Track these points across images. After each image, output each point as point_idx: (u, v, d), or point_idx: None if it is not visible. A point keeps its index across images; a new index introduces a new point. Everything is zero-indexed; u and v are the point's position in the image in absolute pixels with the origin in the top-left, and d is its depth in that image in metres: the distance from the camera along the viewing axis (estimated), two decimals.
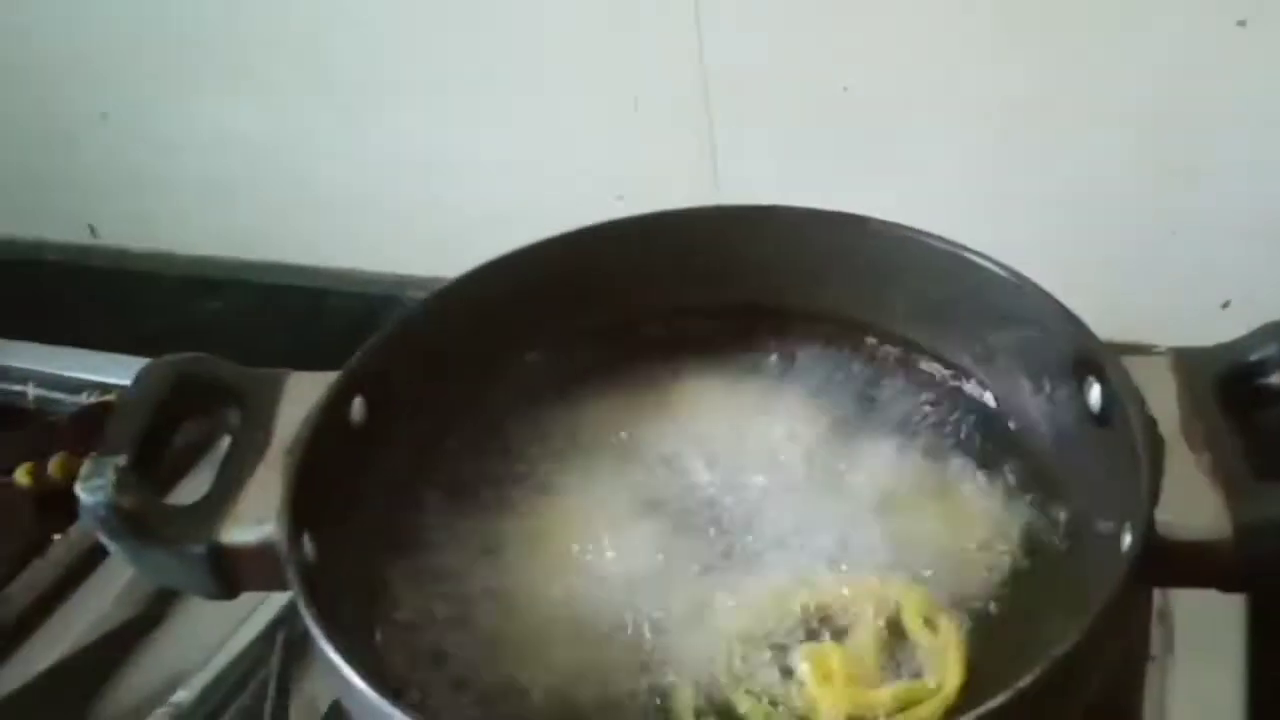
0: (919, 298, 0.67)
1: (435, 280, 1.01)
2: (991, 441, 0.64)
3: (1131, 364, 0.57)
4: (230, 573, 0.56)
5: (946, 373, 0.67)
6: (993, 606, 0.56)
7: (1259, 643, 0.65)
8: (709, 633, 0.56)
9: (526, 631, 0.58)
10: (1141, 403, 0.55)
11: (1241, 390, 0.56)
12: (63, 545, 0.80)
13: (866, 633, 0.55)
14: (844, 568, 0.58)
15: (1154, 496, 0.51)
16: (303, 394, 0.61)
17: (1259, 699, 0.62)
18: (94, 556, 0.77)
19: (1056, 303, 0.60)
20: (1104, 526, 0.56)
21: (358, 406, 0.62)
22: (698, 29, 0.87)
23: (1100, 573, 0.55)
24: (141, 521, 0.56)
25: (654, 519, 0.62)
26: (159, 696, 0.67)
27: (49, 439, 0.89)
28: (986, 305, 0.64)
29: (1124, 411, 0.55)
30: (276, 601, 0.71)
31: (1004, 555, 0.58)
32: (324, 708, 0.65)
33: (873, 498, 0.62)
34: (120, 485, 0.55)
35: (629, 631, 0.57)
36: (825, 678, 0.53)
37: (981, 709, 0.45)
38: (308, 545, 0.56)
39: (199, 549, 0.55)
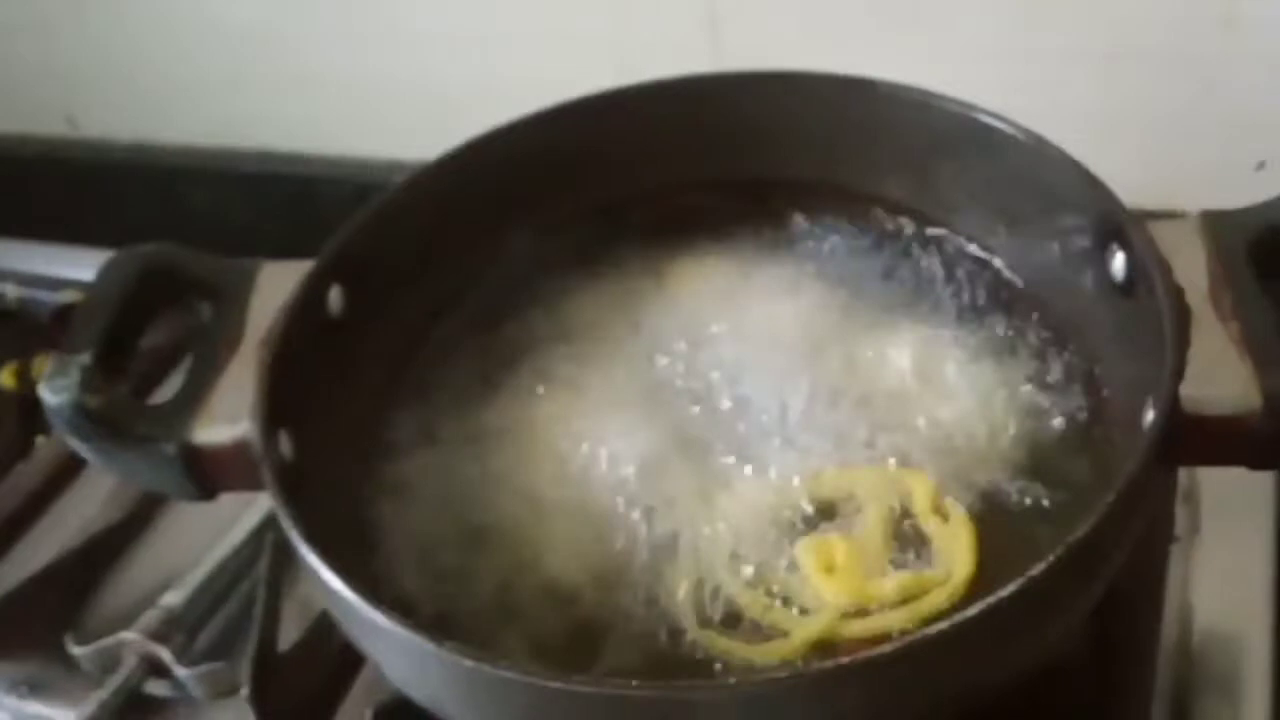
0: (933, 165, 0.63)
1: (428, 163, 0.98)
2: (1011, 315, 0.60)
3: (1158, 229, 0.54)
4: (206, 473, 0.54)
5: (963, 244, 0.64)
6: (1009, 491, 0.53)
7: None
8: (710, 524, 0.54)
9: (520, 527, 0.56)
10: (1167, 270, 0.51)
11: (1274, 255, 0.52)
12: (48, 448, 0.78)
13: (873, 522, 0.52)
14: (852, 455, 0.55)
15: (1178, 371, 0.48)
16: (277, 284, 0.58)
17: None
18: (80, 459, 0.75)
19: (1078, 166, 0.56)
20: (1128, 402, 0.53)
21: (335, 297, 0.59)
22: None
23: (1122, 450, 0.52)
24: (109, 421, 0.53)
25: (653, 409, 0.59)
26: (149, 599, 0.65)
27: (32, 339, 0.86)
28: (1004, 171, 0.60)
29: (1149, 280, 0.51)
30: (265, 502, 0.68)
31: (1023, 436, 0.55)
32: (318, 608, 0.63)
33: (884, 380, 0.58)
34: (86, 384, 0.53)
35: (627, 525, 0.55)
36: (828, 569, 0.50)
37: (993, 598, 0.42)
38: (285, 443, 0.53)
39: (170, 449, 0.53)
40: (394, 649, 0.46)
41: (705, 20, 0.86)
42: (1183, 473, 0.64)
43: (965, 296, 0.62)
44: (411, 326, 0.63)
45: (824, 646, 0.49)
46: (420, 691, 0.47)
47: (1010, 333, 0.59)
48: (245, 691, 0.59)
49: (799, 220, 0.66)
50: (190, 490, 0.54)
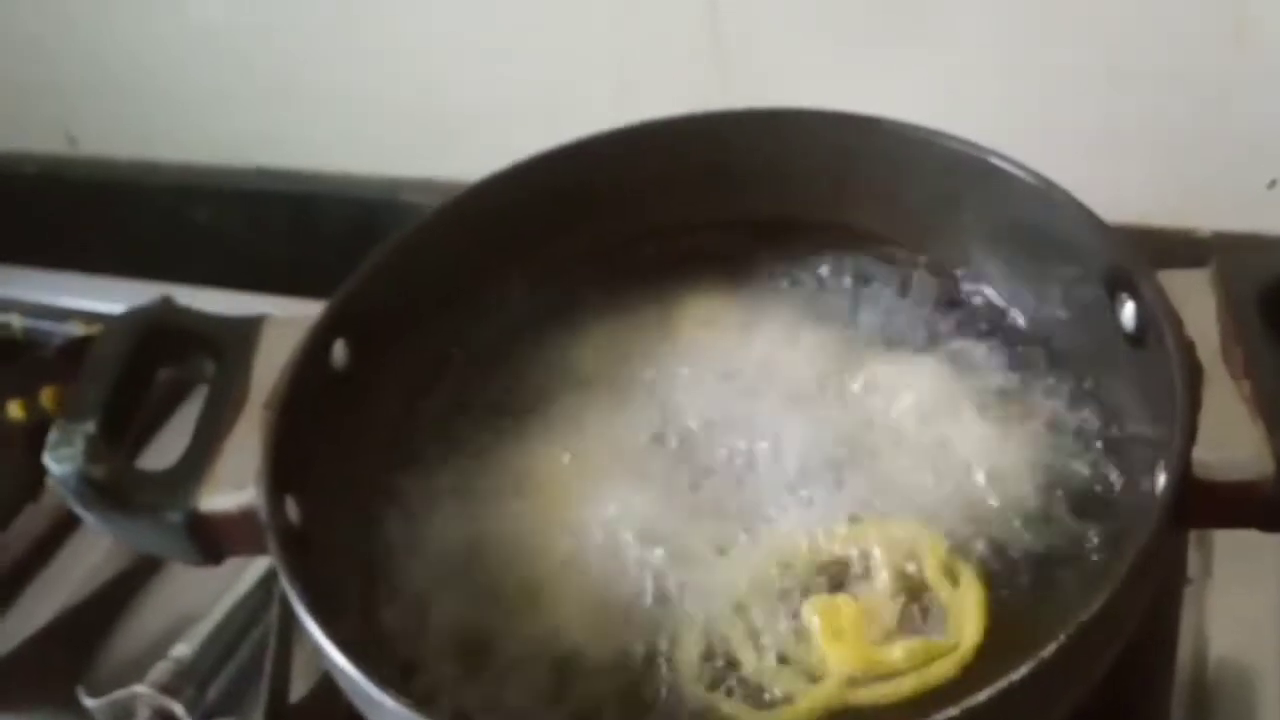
0: (938, 205, 0.62)
1: (430, 181, 0.98)
2: (1024, 364, 0.59)
3: (1168, 279, 0.53)
4: (211, 540, 0.54)
5: (975, 287, 0.63)
6: (1020, 550, 0.53)
7: None
8: (717, 582, 0.54)
9: (526, 586, 0.55)
10: (1178, 324, 0.51)
11: None
12: (55, 489, 0.77)
13: (882, 584, 0.52)
14: (861, 512, 0.55)
15: (1190, 436, 0.47)
16: (281, 340, 0.58)
17: None
18: None
19: (1086, 211, 0.56)
20: (1140, 457, 0.52)
21: (339, 350, 0.58)
22: None
23: (1133, 511, 0.52)
24: (114, 491, 0.53)
25: (660, 463, 0.58)
26: (160, 649, 0.65)
27: (39, 372, 0.86)
28: (1013, 213, 0.59)
29: (1159, 333, 0.51)
30: None
31: (1036, 492, 0.54)
32: None
33: (895, 433, 0.58)
34: (90, 454, 0.53)
35: (633, 581, 0.54)
36: (836, 633, 0.50)
37: (1003, 681, 0.42)
38: (291, 508, 0.53)
39: (176, 517, 0.53)
40: None
41: (707, 36, 0.85)
42: None
43: (977, 343, 0.61)
44: (417, 376, 0.62)
45: (831, 713, 0.49)
46: None
47: (1023, 383, 0.59)
48: None
49: (805, 262, 0.65)
50: (196, 556, 0.54)
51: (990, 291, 0.62)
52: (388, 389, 0.61)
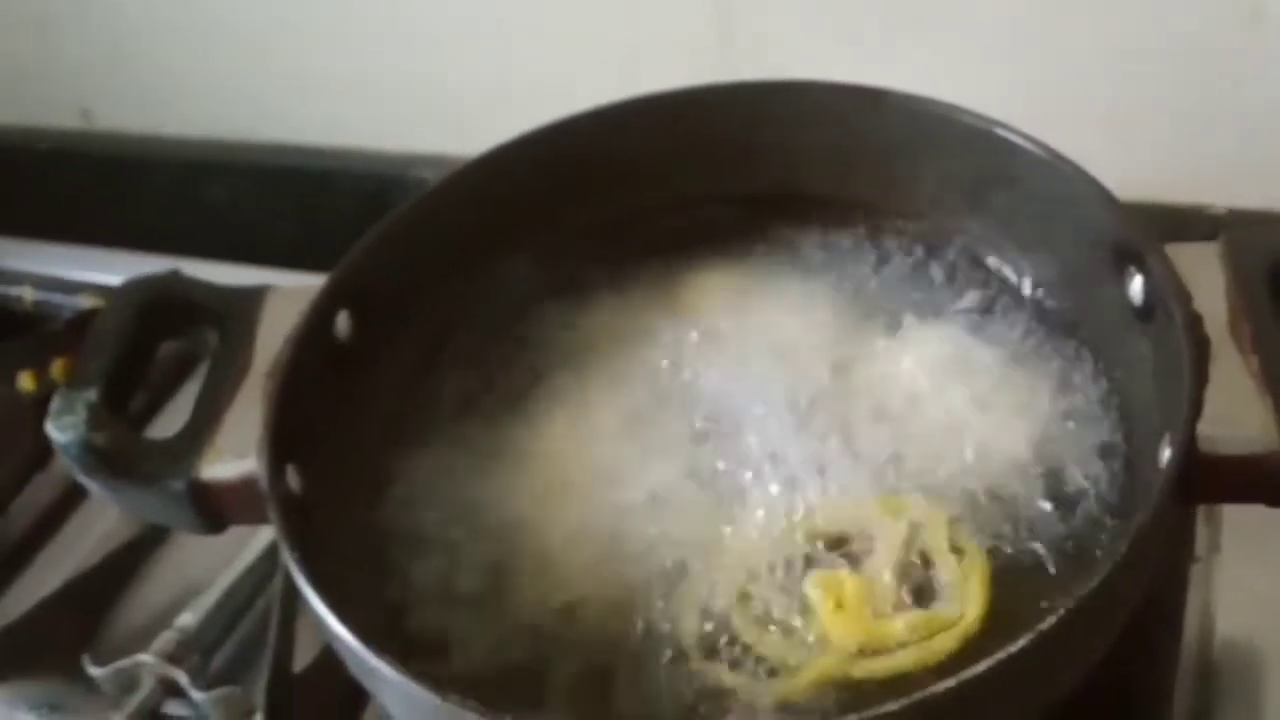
0: (946, 179, 0.62)
1: (441, 157, 0.97)
2: (1033, 336, 0.59)
3: (1177, 253, 0.52)
4: (213, 509, 0.54)
5: (983, 259, 0.62)
6: (1027, 524, 0.52)
7: None
8: (720, 554, 0.53)
9: (529, 556, 0.55)
10: (1187, 300, 0.50)
11: None
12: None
13: (885, 556, 0.51)
14: (866, 484, 0.54)
15: (1196, 411, 0.46)
16: (284, 310, 0.58)
17: None
18: None
19: (1096, 185, 0.55)
20: (1148, 430, 0.52)
21: (343, 321, 0.58)
22: None
23: (1139, 485, 0.52)
24: (117, 459, 0.53)
25: (663, 434, 0.58)
26: (165, 619, 0.66)
27: (50, 344, 0.87)
28: (1020, 186, 0.59)
29: (1167, 307, 0.50)
30: None
31: (1043, 465, 0.54)
32: None
33: (900, 405, 0.57)
34: (93, 421, 0.53)
35: (636, 552, 0.54)
36: (838, 606, 0.50)
37: (1001, 654, 0.42)
38: (292, 478, 0.53)
39: (178, 485, 0.53)
40: (398, 696, 0.46)
41: (714, 16, 0.85)
42: None
43: (985, 315, 0.60)
44: (421, 349, 0.62)
45: (832, 684, 0.49)
46: None
47: (1031, 355, 0.58)
48: (259, 717, 0.60)
49: (812, 234, 0.64)
50: (198, 525, 0.54)
51: (998, 265, 0.62)
52: (392, 360, 0.61)
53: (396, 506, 0.57)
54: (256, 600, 0.67)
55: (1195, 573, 0.60)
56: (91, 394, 0.53)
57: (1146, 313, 0.53)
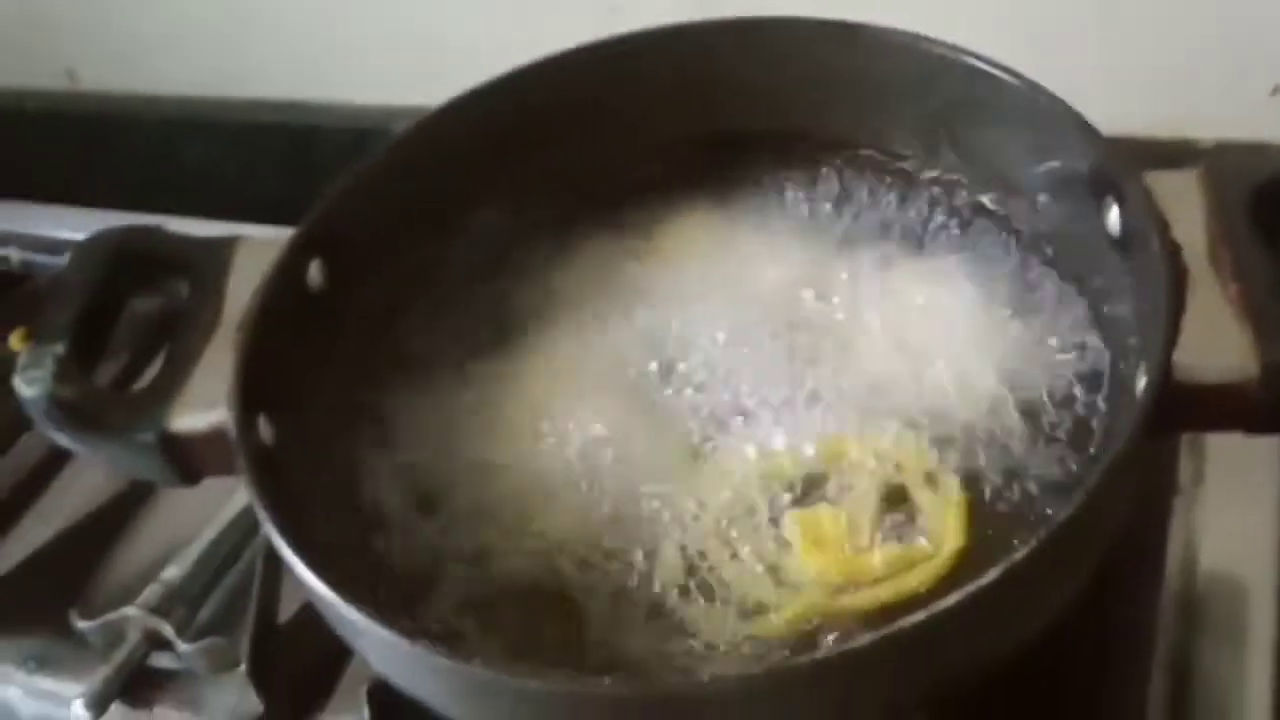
0: (923, 112, 0.61)
1: (423, 110, 0.96)
2: (1012, 269, 0.58)
3: (1156, 181, 0.51)
4: (186, 461, 0.53)
5: (961, 193, 0.61)
6: (1006, 457, 0.52)
7: None
8: (698, 494, 0.53)
9: (505, 499, 0.55)
10: (1164, 228, 0.49)
11: (1278, 209, 0.50)
12: None
13: (863, 493, 0.51)
14: (844, 421, 0.54)
15: (1171, 339, 0.46)
16: (255, 261, 0.57)
17: None
18: None
19: (1074, 114, 0.54)
20: (1127, 361, 0.51)
21: (315, 270, 0.58)
22: None
23: (1119, 416, 0.51)
24: (85, 412, 0.53)
25: (640, 378, 0.57)
26: (151, 572, 0.65)
27: (37, 304, 0.86)
28: (998, 118, 0.58)
29: (1145, 237, 0.49)
30: None
31: (1022, 398, 0.53)
32: None
33: (878, 341, 0.57)
34: (59, 375, 0.52)
35: (614, 494, 0.54)
36: (815, 543, 0.49)
37: (972, 586, 0.41)
38: (264, 427, 0.52)
39: (148, 438, 0.52)
40: (371, 643, 0.46)
41: None
42: None
43: (964, 248, 0.59)
44: (394, 298, 0.62)
45: (809, 621, 0.48)
46: (400, 682, 0.47)
47: (1011, 287, 0.57)
48: (244, 666, 0.60)
49: (788, 172, 0.63)
50: (172, 478, 0.54)
51: (977, 198, 0.60)
52: (366, 310, 0.60)
53: (371, 456, 0.57)
54: (243, 553, 0.67)
55: (1178, 505, 0.59)
56: (59, 347, 0.53)
57: (1125, 242, 0.52)
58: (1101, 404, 0.52)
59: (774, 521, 0.52)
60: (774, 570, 0.50)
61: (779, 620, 0.49)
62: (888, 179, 0.63)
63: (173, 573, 0.65)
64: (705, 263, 0.62)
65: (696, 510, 0.53)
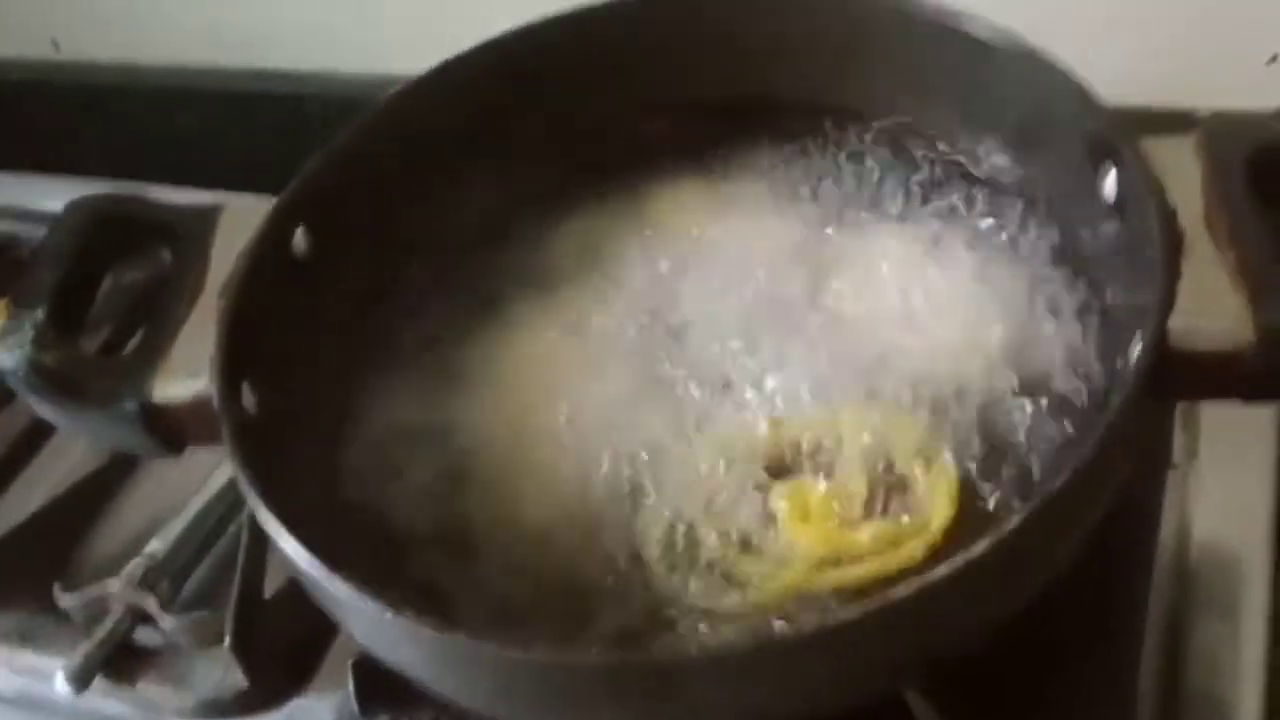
0: (920, 75, 0.60)
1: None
2: (1008, 235, 0.57)
3: (1153, 146, 0.50)
4: (169, 430, 0.53)
5: (957, 158, 0.60)
6: (995, 432, 0.51)
7: None
8: (685, 468, 0.52)
9: (492, 471, 0.55)
10: (1160, 193, 0.48)
11: (1273, 173, 0.49)
12: None
13: (852, 467, 0.50)
14: (833, 394, 0.53)
15: (1167, 304, 0.45)
16: (240, 227, 0.56)
17: None
18: None
19: (1069, 77, 0.53)
20: (1122, 328, 0.50)
21: (300, 238, 0.57)
22: None
23: (1112, 383, 0.50)
24: (65, 380, 0.52)
25: (629, 349, 0.57)
26: (134, 546, 0.65)
27: (21, 273, 0.85)
28: (994, 82, 0.57)
29: (1141, 202, 0.48)
30: None
31: (1017, 368, 0.52)
32: None
33: (870, 311, 0.56)
34: (39, 341, 0.52)
35: (600, 468, 0.53)
36: (802, 516, 0.49)
37: (961, 559, 0.40)
38: (247, 396, 0.52)
39: (130, 406, 0.52)
40: (354, 614, 0.45)
41: None
42: None
43: (960, 215, 0.58)
44: (379, 267, 0.61)
45: (795, 594, 0.48)
46: (383, 654, 0.47)
47: (1007, 254, 0.56)
48: (228, 641, 0.59)
49: (779, 142, 0.63)
50: (153, 447, 0.53)
51: (973, 163, 0.60)
52: (351, 277, 0.59)
53: (356, 425, 0.57)
54: (228, 526, 0.66)
55: (1172, 478, 0.59)
56: (39, 314, 0.52)
57: (1120, 207, 0.51)
58: (1096, 372, 0.51)
59: (762, 493, 0.51)
60: (761, 544, 0.49)
61: (767, 592, 0.48)
62: (881, 143, 0.62)
63: (156, 546, 0.64)
64: (699, 232, 0.61)
65: (686, 481, 0.52)
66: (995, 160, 0.59)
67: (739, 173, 0.63)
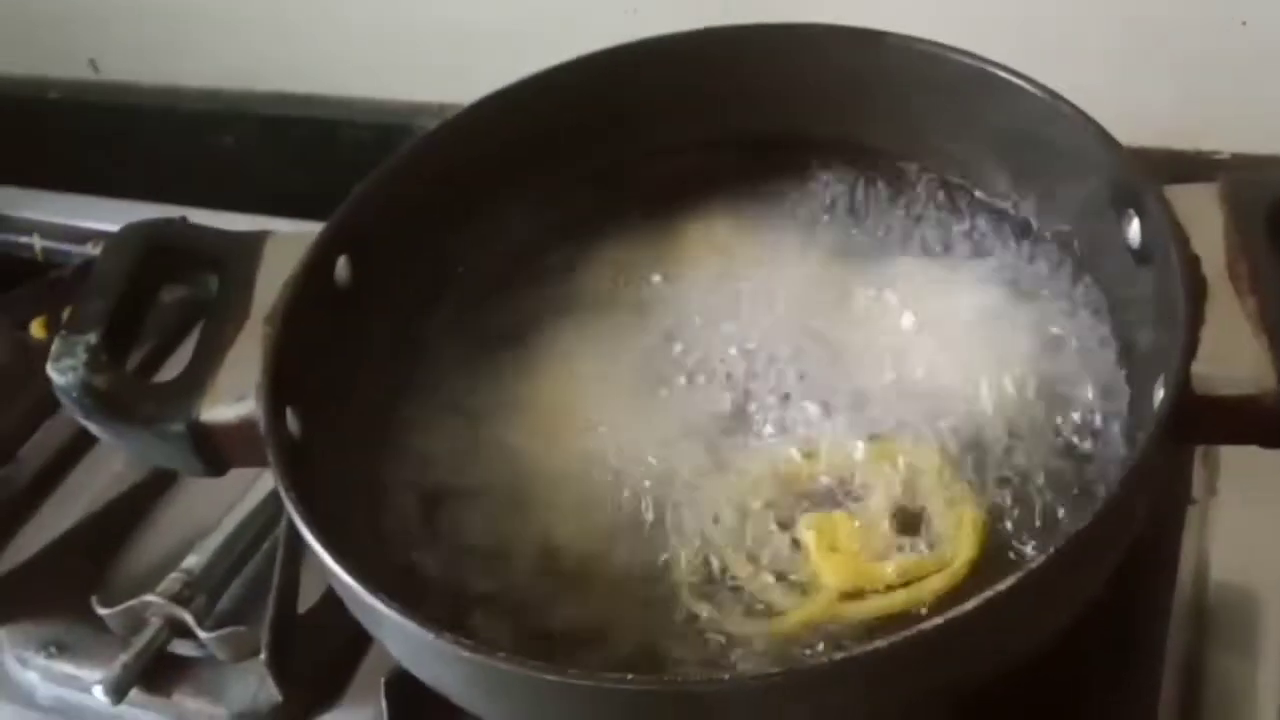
0: (945, 120, 0.61)
1: (445, 106, 0.97)
2: (1034, 279, 0.58)
3: (1176, 194, 0.52)
4: (214, 451, 0.54)
5: (982, 200, 0.62)
6: (1020, 469, 0.52)
7: None
8: (715, 498, 0.54)
9: (526, 498, 0.56)
10: (1184, 241, 0.50)
11: None
12: None
13: (879, 501, 0.51)
14: (862, 428, 0.54)
15: (1190, 351, 0.46)
16: (284, 255, 0.58)
17: None
18: None
19: (1095, 126, 0.54)
20: (1145, 372, 0.52)
21: (342, 266, 0.58)
22: None
23: (1134, 426, 0.51)
24: (116, 401, 0.54)
25: (659, 380, 0.58)
26: (172, 560, 0.66)
27: (60, 292, 0.87)
28: (1020, 128, 0.58)
29: (1164, 250, 0.50)
30: None
31: (1042, 409, 0.54)
32: None
33: (898, 349, 0.57)
34: (92, 364, 0.53)
35: (633, 496, 0.55)
36: (830, 548, 0.50)
37: (989, 592, 0.42)
38: (291, 420, 0.53)
39: (177, 428, 0.53)
40: (394, 633, 0.47)
41: None
42: None
43: (985, 256, 0.60)
44: (419, 296, 0.62)
45: (822, 626, 0.49)
46: (421, 672, 0.48)
47: (1032, 296, 0.58)
48: (263, 655, 0.60)
49: (808, 179, 0.64)
50: (199, 468, 0.55)
51: (998, 206, 0.61)
52: (391, 305, 0.61)
53: (395, 449, 0.58)
54: (263, 542, 0.68)
55: (1191, 515, 0.60)
56: (91, 337, 0.54)
57: (1144, 254, 0.52)
58: (1120, 415, 0.52)
59: (790, 525, 0.52)
60: (789, 574, 0.51)
61: (792, 622, 0.49)
62: (907, 185, 0.63)
63: (194, 561, 0.66)
64: (728, 266, 0.62)
65: (716, 510, 0.53)
66: (1021, 202, 0.61)
67: (768, 208, 0.64)
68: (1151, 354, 0.51)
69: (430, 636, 0.44)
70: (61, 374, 0.53)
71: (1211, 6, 0.74)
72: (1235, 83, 0.75)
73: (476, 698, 0.47)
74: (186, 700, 0.64)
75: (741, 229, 0.64)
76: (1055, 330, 0.56)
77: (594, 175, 0.65)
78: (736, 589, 0.51)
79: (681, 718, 0.42)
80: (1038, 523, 0.50)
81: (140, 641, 0.63)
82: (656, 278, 0.62)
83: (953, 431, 0.54)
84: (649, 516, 0.54)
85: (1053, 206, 0.59)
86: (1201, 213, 0.51)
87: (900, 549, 0.50)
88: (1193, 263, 0.49)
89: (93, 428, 0.54)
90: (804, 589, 0.50)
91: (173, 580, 0.65)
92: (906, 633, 0.41)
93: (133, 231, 0.58)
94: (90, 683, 0.63)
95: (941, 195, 0.62)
